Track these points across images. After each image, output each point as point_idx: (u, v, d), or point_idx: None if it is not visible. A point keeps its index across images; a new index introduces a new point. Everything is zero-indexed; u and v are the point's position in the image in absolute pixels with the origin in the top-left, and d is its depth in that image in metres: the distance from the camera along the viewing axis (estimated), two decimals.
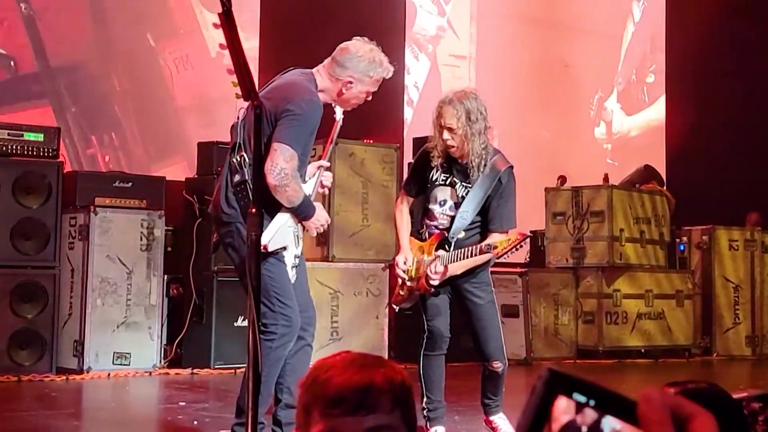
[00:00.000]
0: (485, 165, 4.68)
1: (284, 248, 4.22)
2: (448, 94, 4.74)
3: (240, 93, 2.79)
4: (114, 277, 6.96)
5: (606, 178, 9.62)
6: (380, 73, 4.41)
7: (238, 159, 4.14)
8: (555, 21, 11.81)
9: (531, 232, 9.66)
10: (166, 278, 7.24)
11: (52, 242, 6.74)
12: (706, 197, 10.64)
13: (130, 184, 7.11)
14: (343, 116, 4.48)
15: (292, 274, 4.27)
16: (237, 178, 4.15)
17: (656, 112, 12.36)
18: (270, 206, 4.14)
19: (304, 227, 4.34)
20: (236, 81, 2.78)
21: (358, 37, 4.47)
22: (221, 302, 7.16)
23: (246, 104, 3.79)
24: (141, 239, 7.06)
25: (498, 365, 4.76)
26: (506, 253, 4.54)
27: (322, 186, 4.57)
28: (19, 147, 6.69)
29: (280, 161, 4.10)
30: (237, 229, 4.19)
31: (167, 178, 7.38)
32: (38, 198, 6.71)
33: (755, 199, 10.48)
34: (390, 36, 8.87)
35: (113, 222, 6.96)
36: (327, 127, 4.45)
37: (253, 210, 2.70)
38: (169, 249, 7.31)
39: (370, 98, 4.48)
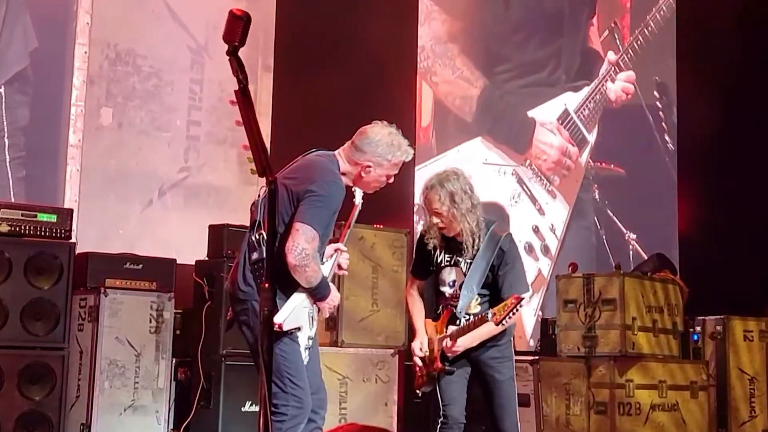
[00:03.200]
0: (480, 238, 4.71)
1: (299, 329, 4.21)
2: (432, 178, 4.80)
3: (255, 168, 2.80)
4: (122, 359, 6.92)
5: (618, 266, 9.58)
6: (399, 157, 4.45)
7: (257, 237, 4.16)
8: None
9: (542, 319, 9.62)
10: (174, 361, 7.19)
11: (62, 323, 6.72)
12: (719, 287, 10.55)
13: (141, 266, 7.11)
14: (362, 200, 4.51)
15: (305, 356, 4.25)
16: (255, 255, 4.18)
17: None
18: (286, 285, 4.15)
19: (318, 308, 4.33)
20: (252, 157, 2.80)
21: (377, 121, 4.51)
22: (229, 386, 7.10)
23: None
24: (150, 321, 7.03)
25: None
26: (506, 317, 4.53)
27: (340, 268, 4.58)
28: (31, 227, 6.71)
29: (302, 241, 4.11)
30: (252, 307, 4.19)
31: (177, 261, 7.37)
32: (49, 279, 6.71)
33: None
34: (403, 121, 8.95)
35: (123, 304, 6.95)
36: (346, 211, 4.47)
37: (266, 285, 2.69)
38: (178, 332, 7.29)
39: (391, 180, 4.52)
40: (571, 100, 11.33)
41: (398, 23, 9.93)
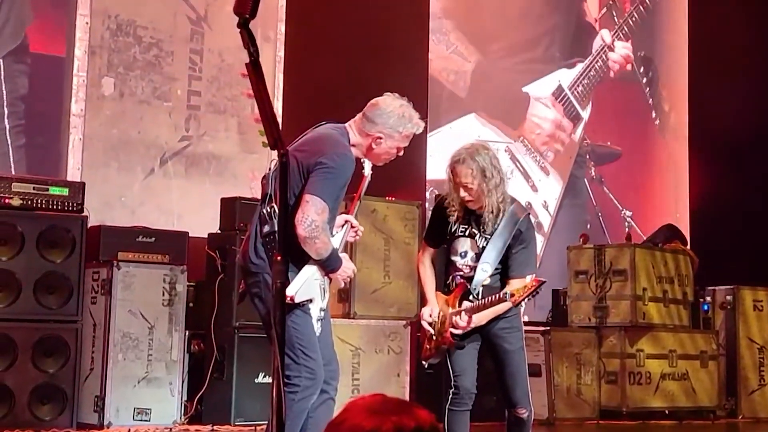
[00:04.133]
0: (503, 216, 4.71)
1: (310, 300, 4.22)
2: (461, 152, 4.76)
3: (267, 142, 2.80)
4: (136, 332, 6.96)
5: (628, 237, 9.58)
6: (410, 129, 4.44)
7: (269, 210, 4.17)
8: None
9: (553, 290, 9.65)
10: (187, 334, 7.23)
11: (75, 296, 6.75)
12: (730, 257, 10.55)
13: (153, 239, 7.13)
14: (371, 172, 4.51)
15: (317, 327, 4.26)
16: (266, 228, 4.18)
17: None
18: (297, 258, 4.15)
19: (330, 279, 4.34)
20: (263, 130, 2.79)
21: (389, 93, 4.50)
22: (242, 358, 7.14)
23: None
24: (163, 294, 7.06)
25: (524, 411, 4.78)
26: (524, 299, 4.55)
27: (357, 233, 4.58)
28: (43, 201, 6.73)
29: (312, 213, 4.12)
30: (264, 279, 4.20)
31: (190, 233, 7.39)
32: (62, 252, 6.73)
33: None
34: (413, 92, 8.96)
35: (136, 277, 6.98)
36: (356, 182, 4.48)
37: (278, 258, 2.70)
38: (191, 304, 7.31)
39: (401, 153, 4.51)
40: (565, 77, 11.32)
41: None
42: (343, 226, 4.52)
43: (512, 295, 4.51)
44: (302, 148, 4.28)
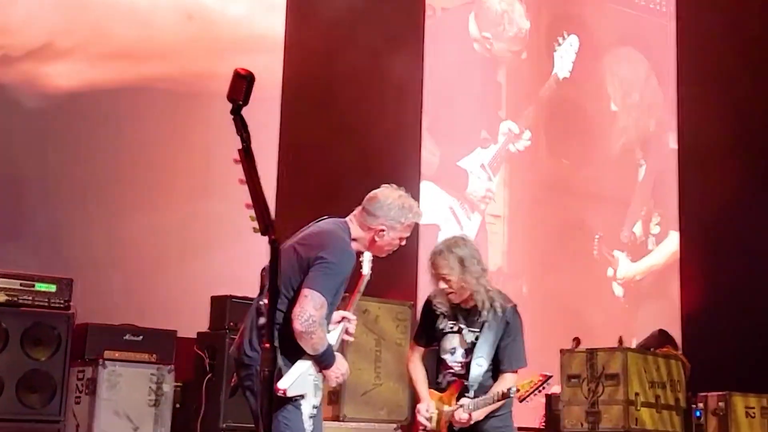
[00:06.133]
0: (492, 306, 4.69)
1: (302, 396, 4.15)
2: (439, 245, 4.80)
3: (257, 227, 2.78)
4: None
5: (621, 341, 9.51)
6: (411, 219, 4.44)
7: (265, 302, 4.12)
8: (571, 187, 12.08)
9: (546, 395, 9.52)
10: None
11: (59, 396, 6.59)
12: (722, 363, 10.49)
13: (141, 337, 7.02)
14: (371, 272, 4.48)
15: (308, 425, 4.17)
16: (262, 320, 4.13)
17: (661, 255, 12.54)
18: (292, 351, 4.10)
19: (324, 377, 4.28)
20: (254, 215, 2.77)
21: (386, 185, 4.51)
22: None
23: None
24: (149, 394, 6.92)
25: None
26: (530, 395, 4.48)
27: (348, 333, 4.53)
28: (29, 297, 6.64)
29: (309, 308, 4.08)
30: (257, 371, 4.13)
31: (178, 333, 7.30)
32: (47, 350, 6.60)
33: None
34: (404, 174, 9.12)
35: (122, 376, 6.84)
36: (354, 280, 4.45)
37: (266, 345, 2.65)
38: (178, 405, 7.17)
39: (404, 243, 4.50)
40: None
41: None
42: (339, 322, 4.48)
43: (517, 391, 4.47)
44: (303, 242, 4.27)
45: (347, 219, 4.44)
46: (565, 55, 12.08)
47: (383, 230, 4.37)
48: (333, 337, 4.35)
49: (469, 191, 11.14)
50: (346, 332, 4.50)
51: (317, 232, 4.34)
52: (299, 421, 4.14)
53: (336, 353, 4.33)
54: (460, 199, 11.03)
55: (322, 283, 4.13)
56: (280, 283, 4.07)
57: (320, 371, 4.22)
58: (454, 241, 4.78)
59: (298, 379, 4.12)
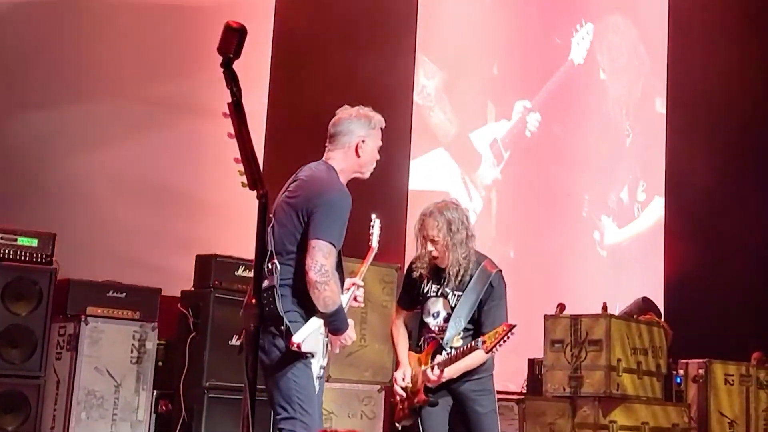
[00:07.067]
0: (465, 273, 4.69)
1: (313, 355, 4.12)
2: (430, 206, 4.80)
3: (246, 182, 2.74)
4: (101, 390, 6.73)
5: (605, 307, 9.54)
6: (378, 122, 4.46)
7: (269, 266, 4.09)
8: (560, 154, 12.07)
9: (529, 360, 9.56)
10: (155, 393, 7.03)
11: (39, 351, 6.54)
12: (703, 331, 10.56)
13: (124, 294, 6.96)
14: (378, 244, 4.59)
15: (316, 385, 4.16)
16: (265, 283, 4.09)
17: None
18: (307, 308, 4.07)
19: (330, 341, 4.25)
20: (242, 170, 2.74)
21: (340, 108, 4.50)
22: (211, 420, 6.93)
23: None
24: (132, 351, 6.87)
25: None
26: (496, 345, 4.48)
27: (356, 300, 4.52)
28: (11, 252, 6.56)
29: (320, 257, 4.05)
30: (267, 331, 4.12)
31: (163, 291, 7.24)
32: (28, 305, 6.53)
33: (753, 333, 10.41)
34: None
35: (104, 333, 6.79)
36: (363, 253, 4.62)
37: (253, 301, 2.62)
38: (160, 363, 7.13)
39: (379, 158, 4.49)
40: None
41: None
42: (349, 289, 4.46)
43: (483, 342, 4.47)
44: (294, 194, 4.22)
45: (324, 159, 4.39)
46: (581, 42, 12.15)
47: (363, 140, 4.34)
48: (343, 301, 4.34)
49: (479, 174, 11.15)
50: (355, 299, 4.49)
51: (307, 181, 4.28)
52: (309, 379, 4.11)
53: (349, 320, 4.32)
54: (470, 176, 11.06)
55: (326, 229, 4.11)
56: (281, 242, 4.07)
57: (329, 334, 4.20)
58: (445, 204, 4.78)
59: (311, 336, 4.10)
